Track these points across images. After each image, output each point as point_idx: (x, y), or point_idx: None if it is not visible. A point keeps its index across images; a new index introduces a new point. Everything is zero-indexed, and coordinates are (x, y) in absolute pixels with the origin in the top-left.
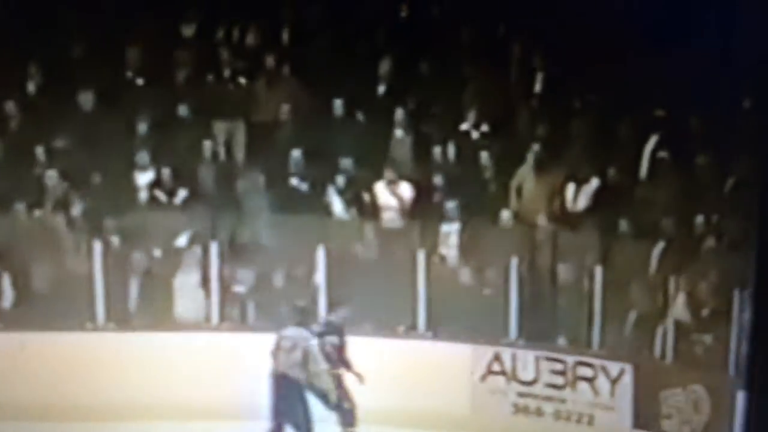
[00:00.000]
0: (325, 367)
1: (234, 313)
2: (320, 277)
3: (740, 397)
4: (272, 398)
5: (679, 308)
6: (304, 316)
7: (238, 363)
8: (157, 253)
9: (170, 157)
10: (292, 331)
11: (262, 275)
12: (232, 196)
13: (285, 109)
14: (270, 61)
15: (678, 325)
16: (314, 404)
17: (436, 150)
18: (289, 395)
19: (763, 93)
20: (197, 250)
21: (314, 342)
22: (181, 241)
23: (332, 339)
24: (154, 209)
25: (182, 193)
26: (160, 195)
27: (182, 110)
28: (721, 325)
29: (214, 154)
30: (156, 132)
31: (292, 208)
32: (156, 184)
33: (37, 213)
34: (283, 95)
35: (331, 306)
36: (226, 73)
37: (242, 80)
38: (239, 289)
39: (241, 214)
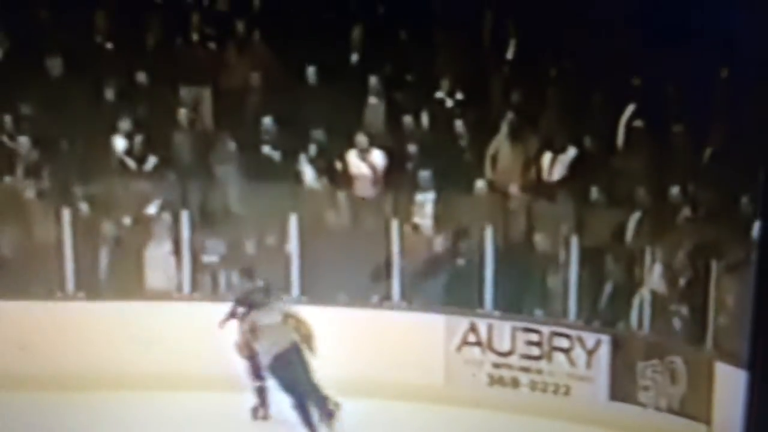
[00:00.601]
0: None
1: (205, 282)
2: (293, 246)
3: (719, 369)
4: (279, 382)
5: (655, 279)
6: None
7: (210, 333)
8: (127, 221)
9: (139, 124)
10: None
11: (234, 244)
12: (203, 164)
13: (255, 75)
14: (240, 26)
15: (655, 296)
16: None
17: (410, 118)
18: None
19: (739, 62)
20: (167, 218)
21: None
22: (151, 209)
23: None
24: (123, 176)
25: (152, 160)
26: (130, 162)
27: (151, 76)
28: (698, 296)
29: (185, 121)
30: (125, 98)
31: (264, 177)
32: (126, 151)
33: (7, 180)
34: (253, 61)
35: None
36: (195, 38)
37: (211, 45)
38: (211, 258)
39: (212, 182)
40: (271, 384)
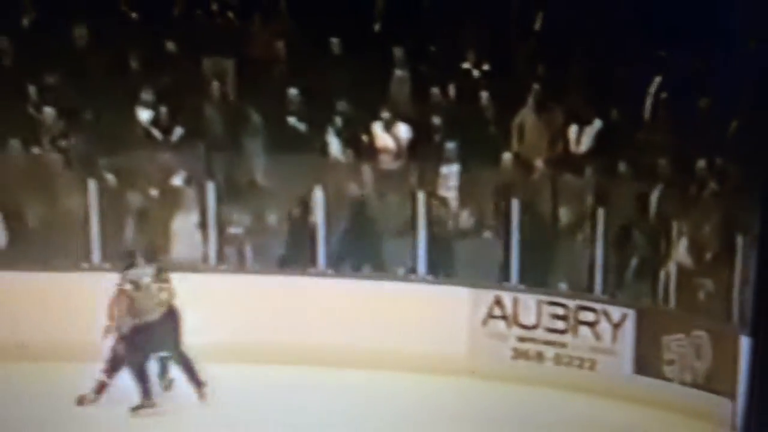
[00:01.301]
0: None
1: (231, 254)
2: (318, 217)
3: (744, 343)
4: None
5: (681, 253)
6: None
7: (237, 304)
8: (154, 192)
9: (165, 95)
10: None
11: (259, 216)
12: (228, 136)
13: (280, 46)
14: None
15: (680, 270)
16: None
17: (436, 90)
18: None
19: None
20: (193, 190)
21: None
22: (177, 180)
23: None
24: (149, 147)
25: (178, 131)
26: (156, 133)
27: (176, 46)
28: (724, 270)
29: (212, 93)
30: (150, 68)
31: (289, 149)
32: (152, 122)
33: (35, 150)
34: (278, 33)
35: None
36: (221, 9)
37: (231, 15)
38: (235, 230)
39: (238, 154)
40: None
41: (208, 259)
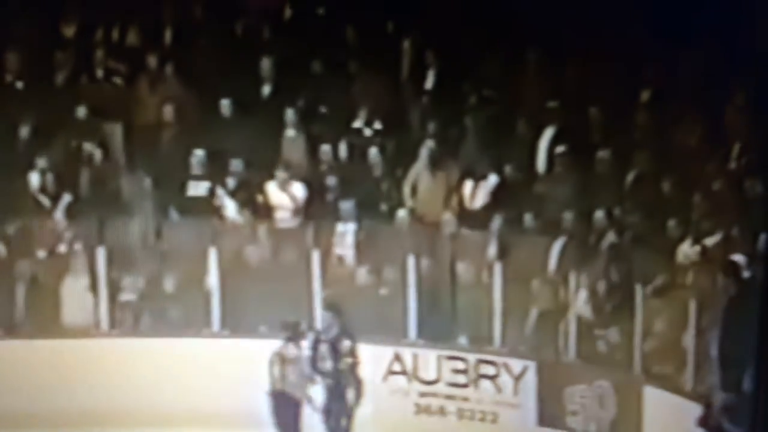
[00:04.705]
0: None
1: (125, 319)
2: (213, 280)
3: (650, 394)
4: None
5: (581, 304)
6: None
7: (130, 369)
8: (43, 258)
9: (53, 162)
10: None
11: (153, 280)
12: (117, 200)
13: (169, 109)
14: (152, 61)
15: (581, 321)
16: None
17: (329, 149)
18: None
19: (661, 85)
20: (83, 255)
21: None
22: (67, 246)
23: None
24: (38, 214)
25: (66, 198)
26: (44, 200)
27: (64, 112)
28: (625, 320)
29: (98, 157)
30: (38, 136)
31: (182, 211)
32: (40, 189)
33: None
34: (167, 96)
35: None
36: (107, 74)
37: (119, 81)
38: (128, 297)
39: (128, 218)
40: None
41: (100, 325)
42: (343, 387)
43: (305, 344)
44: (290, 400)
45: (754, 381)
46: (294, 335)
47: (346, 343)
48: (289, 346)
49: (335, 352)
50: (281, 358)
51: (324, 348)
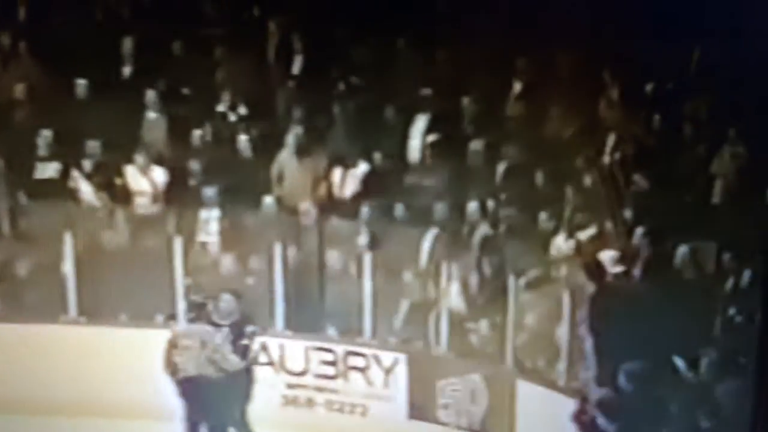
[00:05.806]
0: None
1: None
2: (68, 266)
3: (522, 388)
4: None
5: (453, 297)
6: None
7: None
8: None
9: None
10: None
11: (5, 264)
12: None
13: (21, 88)
14: (5, 39)
15: (452, 314)
16: None
17: (192, 133)
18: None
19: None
20: None
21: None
22: None
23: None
24: None
25: None
26: None
27: None
28: (497, 313)
29: None
30: None
31: (36, 194)
32: None
33: None
34: (19, 74)
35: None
36: None
37: None
38: None
39: None
40: None
41: None
42: (251, 372)
43: (209, 327)
44: (195, 383)
45: (754, 381)
46: (198, 316)
47: (250, 328)
48: (192, 328)
49: (241, 337)
50: (176, 344)
51: (228, 332)
